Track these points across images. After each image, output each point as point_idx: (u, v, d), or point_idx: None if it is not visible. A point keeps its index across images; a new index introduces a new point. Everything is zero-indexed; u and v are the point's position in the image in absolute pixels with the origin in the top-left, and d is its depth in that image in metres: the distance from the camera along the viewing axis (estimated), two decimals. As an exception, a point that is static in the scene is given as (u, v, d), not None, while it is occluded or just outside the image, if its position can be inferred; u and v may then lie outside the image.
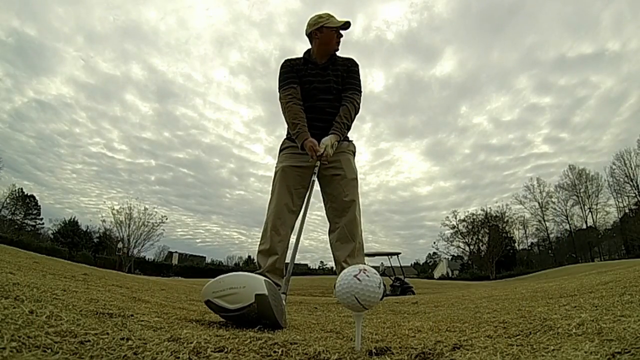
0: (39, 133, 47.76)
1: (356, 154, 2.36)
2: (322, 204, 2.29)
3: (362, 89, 2.27)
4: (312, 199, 2.27)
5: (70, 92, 52.22)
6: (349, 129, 2.19)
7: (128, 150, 54.54)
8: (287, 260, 2.09)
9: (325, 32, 2.20)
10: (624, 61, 48.01)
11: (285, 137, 2.32)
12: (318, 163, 2.01)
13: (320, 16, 2.21)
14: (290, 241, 2.14)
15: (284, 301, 1.04)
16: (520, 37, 57.98)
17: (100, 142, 51.47)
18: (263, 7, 66.33)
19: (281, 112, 2.24)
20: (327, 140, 2.01)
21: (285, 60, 2.29)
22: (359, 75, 2.28)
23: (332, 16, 2.20)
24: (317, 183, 2.25)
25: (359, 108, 2.23)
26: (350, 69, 2.26)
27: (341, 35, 2.21)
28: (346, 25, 2.18)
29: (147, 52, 60.93)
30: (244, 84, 67.82)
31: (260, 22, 65.08)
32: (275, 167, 2.24)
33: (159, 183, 55.53)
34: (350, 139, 2.32)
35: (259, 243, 2.16)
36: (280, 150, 2.29)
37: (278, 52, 61.63)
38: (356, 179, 2.20)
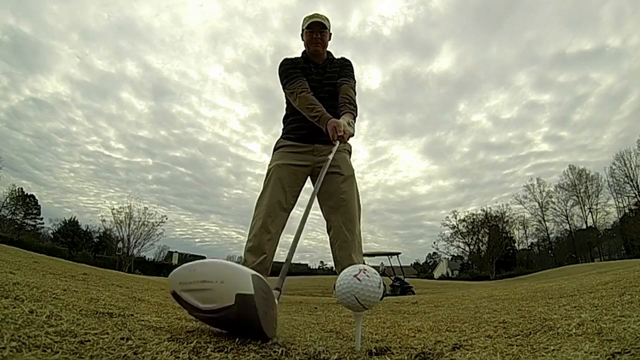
0: (36, 132, 47.80)
1: (353, 152, 2.38)
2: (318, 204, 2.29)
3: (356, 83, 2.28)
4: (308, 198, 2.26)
5: (67, 90, 52.34)
6: (357, 109, 2.16)
7: (125, 149, 54.53)
8: (274, 258, 2.10)
9: (305, 33, 2.25)
10: (624, 57, 47.91)
11: (280, 136, 2.32)
12: (336, 145, 1.94)
13: (304, 18, 2.24)
14: (279, 239, 2.13)
15: (277, 301, 0.80)
16: (519, 32, 57.90)
17: (97, 140, 51.53)
18: (257, 3, 66.43)
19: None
20: (344, 120, 1.96)
21: (286, 59, 2.31)
22: (352, 69, 2.31)
23: (313, 15, 2.22)
24: (310, 182, 2.26)
25: (354, 90, 2.24)
26: (344, 63, 2.30)
27: (319, 34, 2.20)
28: (311, 24, 2.19)
29: (142, 49, 61.04)
30: (239, 81, 67.79)
31: (254, 18, 65.14)
32: (269, 165, 2.24)
33: (157, 182, 55.55)
34: (347, 142, 2.31)
35: (246, 240, 2.13)
36: (275, 149, 2.29)
37: (273, 49, 61.52)
38: (353, 176, 2.20)
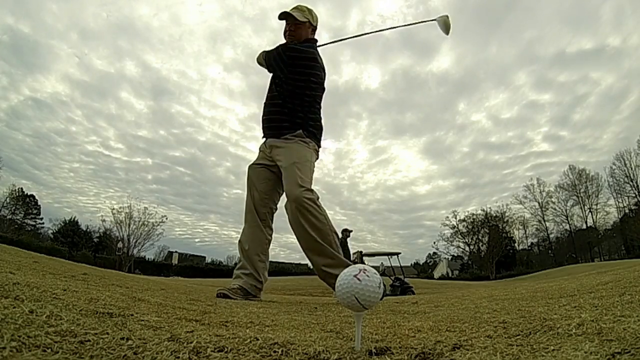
0: (36, 131, 47.73)
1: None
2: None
3: (274, 61, 2.21)
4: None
5: (66, 89, 52.32)
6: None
7: (124, 149, 54.50)
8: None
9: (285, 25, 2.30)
10: (624, 57, 47.86)
11: None
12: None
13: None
14: (263, 233, 2.22)
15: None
16: (519, 31, 57.83)
17: (97, 140, 51.51)
18: (256, 2, 65.85)
19: None
20: None
21: None
22: (279, 48, 2.22)
23: (294, 7, 2.26)
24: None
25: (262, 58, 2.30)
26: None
27: (293, 26, 2.24)
28: (285, 16, 2.24)
29: (141, 48, 60.86)
30: (239, 81, 67.28)
31: (253, 17, 64.73)
32: None
33: (156, 182, 55.52)
34: (296, 130, 2.17)
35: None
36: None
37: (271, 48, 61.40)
38: (295, 163, 2.07)
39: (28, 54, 49.27)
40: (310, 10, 2.27)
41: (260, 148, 2.35)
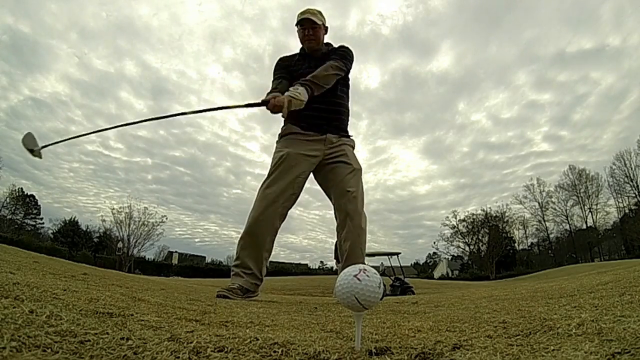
0: (35, 131, 47.13)
1: (354, 150, 2.38)
2: (320, 203, 2.31)
3: (348, 65, 2.21)
4: (310, 198, 2.25)
5: (65, 89, 52.56)
6: (318, 83, 2.04)
7: (124, 149, 54.58)
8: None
9: (298, 30, 2.26)
10: (624, 57, 47.93)
11: (287, 122, 2.28)
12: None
13: (298, 14, 2.24)
14: (274, 228, 2.13)
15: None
16: (519, 31, 57.90)
17: (97, 140, 51.46)
18: (256, 2, 66.14)
19: None
20: (287, 92, 1.95)
21: (280, 58, 2.35)
22: (344, 52, 2.24)
23: (304, 11, 2.22)
24: (312, 175, 2.25)
25: (338, 68, 2.12)
26: (337, 49, 2.28)
27: (311, 30, 2.20)
28: (301, 21, 2.19)
29: (141, 48, 61.08)
30: (238, 81, 67.33)
31: (253, 17, 64.92)
32: (279, 152, 2.18)
33: (156, 182, 55.59)
34: (350, 135, 2.33)
35: (245, 225, 2.11)
36: (283, 135, 2.26)
37: (271, 48, 61.24)
38: (361, 170, 2.25)
39: (28, 54, 49.38)
40: (321, 13, 2.25)
41: (300, 137, 2.18)
